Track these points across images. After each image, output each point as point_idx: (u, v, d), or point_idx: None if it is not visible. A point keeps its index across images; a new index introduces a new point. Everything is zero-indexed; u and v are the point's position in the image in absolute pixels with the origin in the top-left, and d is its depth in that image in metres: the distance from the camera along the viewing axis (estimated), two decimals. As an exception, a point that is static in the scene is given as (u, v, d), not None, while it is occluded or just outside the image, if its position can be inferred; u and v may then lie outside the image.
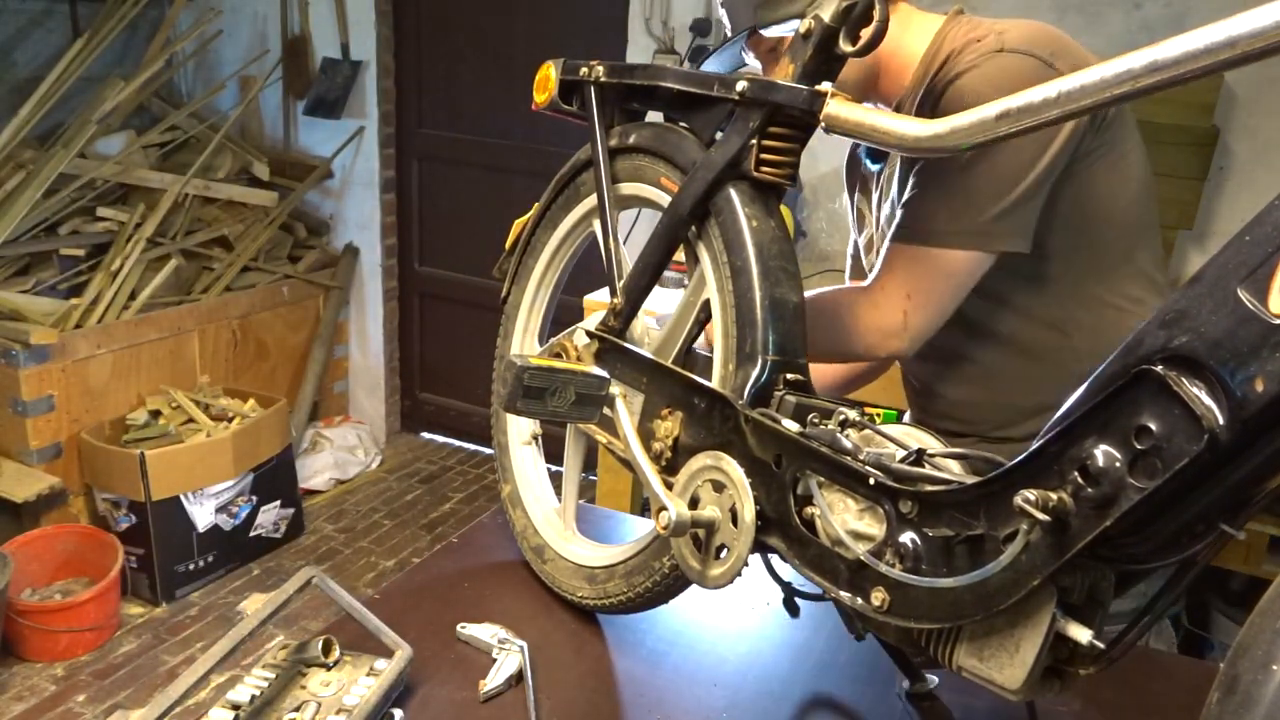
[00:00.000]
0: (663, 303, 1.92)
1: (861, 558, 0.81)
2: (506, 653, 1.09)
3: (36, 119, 3.31)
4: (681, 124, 1.13)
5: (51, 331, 2.95)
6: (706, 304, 1.07)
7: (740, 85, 1.01)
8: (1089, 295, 1.24)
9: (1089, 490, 0.65)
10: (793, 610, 1.03)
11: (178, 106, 3.85)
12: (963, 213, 1.15)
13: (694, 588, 1.03)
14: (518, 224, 1.37)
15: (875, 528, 0.82)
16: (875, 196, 1.41)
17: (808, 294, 1.10)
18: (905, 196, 1.23)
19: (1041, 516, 0.65)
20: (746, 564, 0.91)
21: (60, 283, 3.24)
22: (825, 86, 0.97)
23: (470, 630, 1.13)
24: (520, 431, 1.37)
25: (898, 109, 1.28)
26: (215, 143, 3.61)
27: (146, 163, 3.56)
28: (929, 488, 0.77)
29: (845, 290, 1.29)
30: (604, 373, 1.06)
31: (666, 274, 1.18)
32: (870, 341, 1.23)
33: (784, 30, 1.18)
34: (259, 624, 0.99)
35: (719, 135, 1.06)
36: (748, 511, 0.89)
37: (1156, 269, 1.29)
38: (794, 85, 0.97)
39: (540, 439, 1.37)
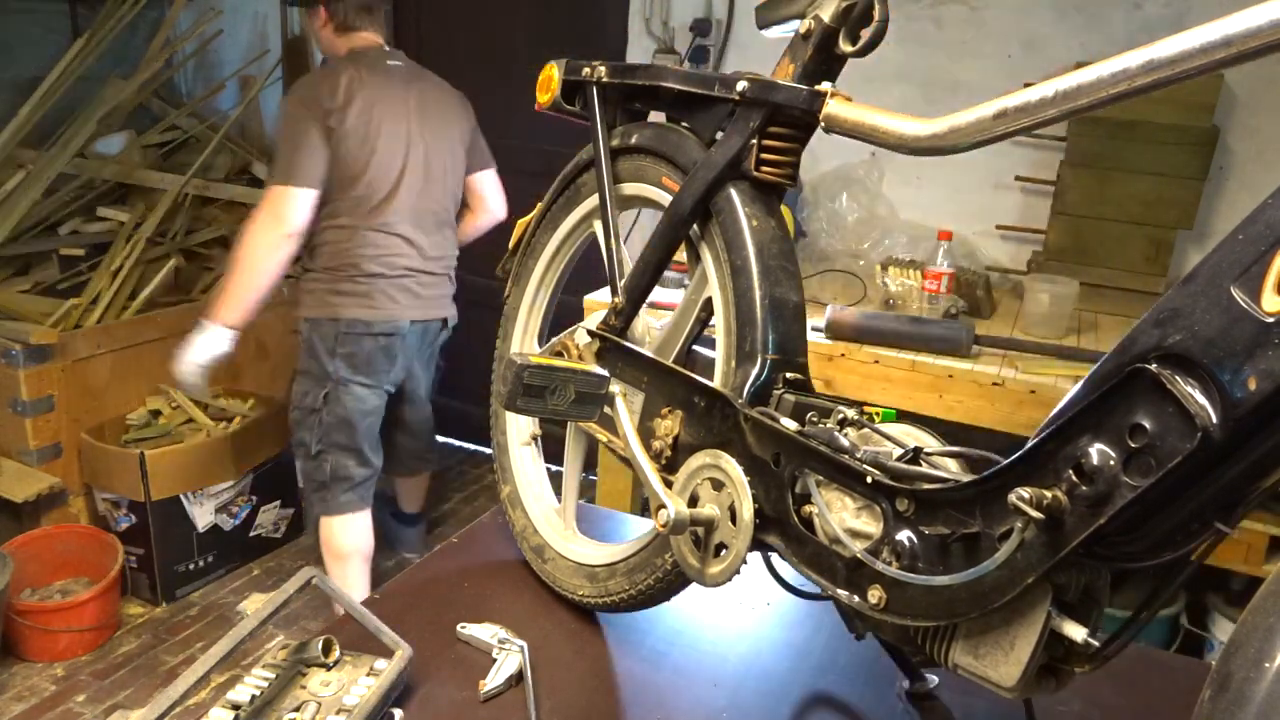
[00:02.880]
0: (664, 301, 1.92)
1: (858, 556, 0.81)
2: (506, 653, 1.10)
3: (36, 119, 3.32)
4: (683, 124, 1.13)
5: (51, 331, 2.95)
6: (708, 302, 1.08)
7: (740, 85, 1.01)
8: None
9: (1083, 488, 0.65)
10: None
11: (178, 106, 3.86)
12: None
13: (695, 587, 1.03)
14: (521, 223, 1.37)
15: (872, 526, 0.82)
16: None
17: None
18: None
19: (1036, 515, 0.65)
20: (745, 562, 0.91)
21: (60, 283, 3.24)
22: (825, 86, 0.97)
23: (470, 630, 1.13)
24: (520, 431, 1.37)
25: None
26: (215, 142, 3.61)
27: (146, 163, 3.57)
28: (925, 486, 0.78)
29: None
30: (604, 371, 1.07)
31: (667, 274, 1.18)
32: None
33: (784, 30, 1.18)
34: (259, 624, 0.99)
35: (720, 135, 1.06)
36: (746, 510, 0.90)
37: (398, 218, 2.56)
38: (794, 85, 0.98)
39: (540, 439, 1.37)
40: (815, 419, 0.92)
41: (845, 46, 0.96)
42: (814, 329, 2.22)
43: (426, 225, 2.65)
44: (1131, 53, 0.68)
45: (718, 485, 0.94)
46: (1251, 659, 0.52)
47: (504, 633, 1.13)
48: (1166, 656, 1.35)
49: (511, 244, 1.39)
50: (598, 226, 1.24)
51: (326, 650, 1.03)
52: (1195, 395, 0.60)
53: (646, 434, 1.06)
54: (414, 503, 3.33)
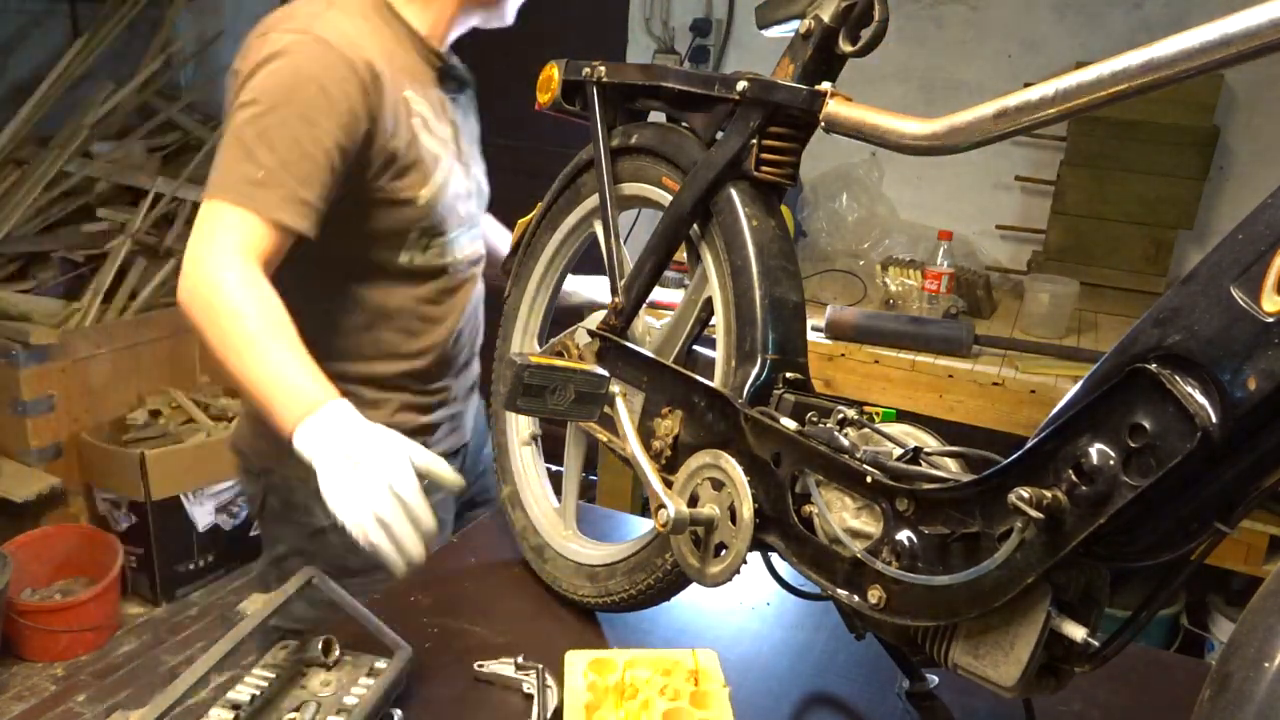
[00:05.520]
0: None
1: (858, 555, 0.81)
2: (534, 682, 1.04)
3: (36, 119, 3.31)
4: (683, 124, 1.13)
5: (52, 331, 2.95)
6: (708, 302, 1.08)
7: (740, 85, 1.01)
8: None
9: (1083, 488, 0.65)
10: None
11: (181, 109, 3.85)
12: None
13: (695, 587, 1.03)
14: (521, 223, 1.38)
15: (872, 526, 0.82)
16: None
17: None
18: None
19: (1035, 514, 0.65)
20: (745, 562, 0.91)
21: (60, 283, 3.24)
22: (825, 86, 0.97)
23: (490, 668, 1.07)
24: (520, 431, 1.37)
25: None
26: (212, 142, 3.61)
27: (147, 164, 3.56)
28: (925, 486, 0.78)
29: None
30: (604, 371, 1.07)
31: (666, 274, 1.18)
32: None
33: (784, 30, 1.18)
34: (259, 624, 0.99)
35: (720, 135, 1.06)
36: (746, 509, 0.90)
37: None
38: (794, 85, 0.98)
39: (540, 439, 1.37)
40: (815, 419, 0.92)
41: (845, 46, 0.96)
42: (814, 329, 2.22)
43: None
44: (1131, 53, 0.68)
45: (718, 485, 0.94)
46: (1251, 659, 0.52)
47: (519, 660, 1.07)
48: (1166, 656, 1.35)
49: (512, 244, 1.39)
50: (598, 226, 1.24)
51: (326, 650, 1.03)
52: (1195, 395, 0.60)
53: (646, 434, 1.06)
54: None
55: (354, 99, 1.20)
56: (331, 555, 1.31)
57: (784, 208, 1.07)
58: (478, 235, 1.52)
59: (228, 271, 1.13)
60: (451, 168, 1.39)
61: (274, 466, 1.44)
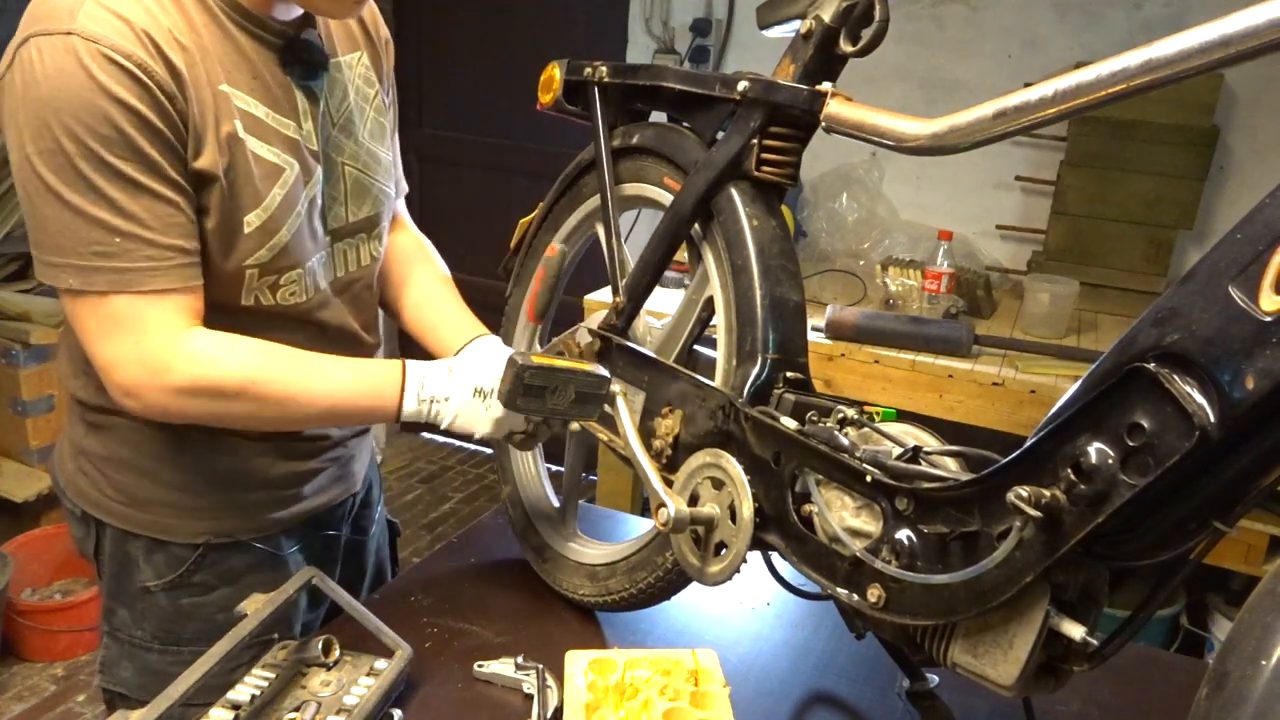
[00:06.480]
0: (664, 303, 1.92)
1: (858, 554, 0.81)
2: (535, 683, 1.04)
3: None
4: (684, 124, 1.13)
5: (52, 331, 2.95)
6: (709, 302, 1.08)
7: (741, 85, 1.01)
8: None
9: (1082, 487, 0.65)
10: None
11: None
12: None
13: (695, 586, 1.03)
14: (522, 223, 1.38)
15: (872, 525, 0.82)
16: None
17: None
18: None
19: (1034, 513, 0.66)
20: (745, 561, 0.91)
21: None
22: (826, 86, 0.97)
23: (490, 668, 1.08)
24: (520, 431, 1.37)
25: None
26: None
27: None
28: (924, 485, 0.78)
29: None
30: (604, 371, 1.07)
31: (667, 274, 1.19)
32: None
33: (785, 30, 1.18)
34: (259, 624, 0.99)
35: (720, 135, 1.06)
36: (746, 509, 0.90)
37: None
38: (794, 85, 0.98)
39: (540, 438, 1.37)
40: (815, 418, 0.92)
41: (846, 47, 0.96)
42: (814, 329, 2.22)
43: None
44: (1131, 53, 0.68)
45: (718, 484, 0.94)
46: (1248, 657, 0.52)
47: (519, 660, 1.08)
48: (1166, 656, 1.35)
49: (513, 244, 1.39)
50: (599, 227, 1.24)
51: (326, 650, 1.03)
52: (1193, 394, 0.60)
53: (647, 433, 1.06)
54: None
55: (162, 104, 0.95)
56: (160, 619, 1.16)
57: (784, 208, 1.07)
58: (366, 249, 1.21)
59: (190, 352, 0.98)
60: (301, 178, 1.07)
61: (99, 515, 1.17)
